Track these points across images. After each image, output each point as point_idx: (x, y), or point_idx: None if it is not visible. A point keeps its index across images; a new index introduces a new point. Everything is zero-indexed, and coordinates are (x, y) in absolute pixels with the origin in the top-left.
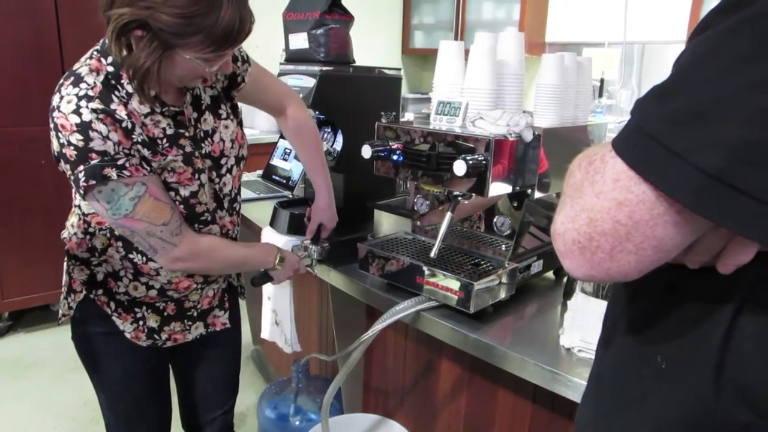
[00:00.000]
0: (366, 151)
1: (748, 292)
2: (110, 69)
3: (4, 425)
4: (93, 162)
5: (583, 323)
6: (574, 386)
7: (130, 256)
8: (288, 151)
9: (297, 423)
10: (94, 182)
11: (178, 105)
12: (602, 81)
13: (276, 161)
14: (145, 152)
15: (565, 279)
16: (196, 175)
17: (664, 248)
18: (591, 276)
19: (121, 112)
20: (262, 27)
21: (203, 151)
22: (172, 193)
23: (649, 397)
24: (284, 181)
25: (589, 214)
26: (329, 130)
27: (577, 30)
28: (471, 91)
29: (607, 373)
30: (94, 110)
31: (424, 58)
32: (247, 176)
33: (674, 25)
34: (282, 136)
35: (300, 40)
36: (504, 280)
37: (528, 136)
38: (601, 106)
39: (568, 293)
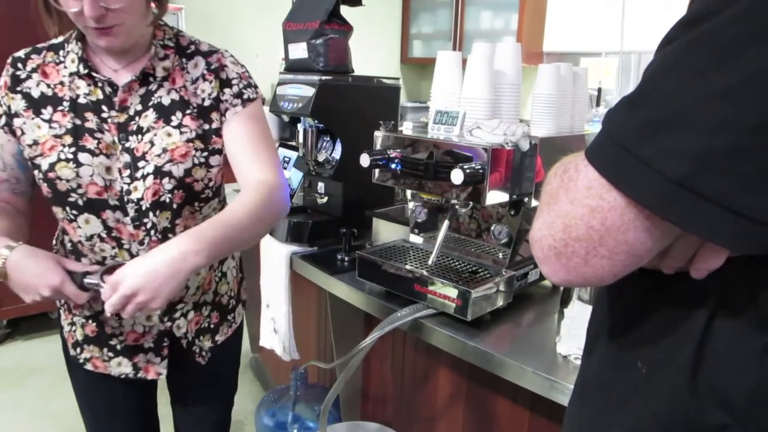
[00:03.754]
0: (364, 160)
1: (722, 296)
2: (75, 31)
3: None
4: None
5: (579, 331)
6: (570, 394)
7: (64, 242)
8: (287, 159)
9: (295, 431)
10: None
11: (118, 82)
12: (599, 90)
13: None
14: (21, 104)
15: (562, 287)
16: (64, 148)
17: (636, 253)
18: (568, 281)
19: (31, 64)
20: (261, 36)
21: (128, 145)
22: (36, 171)
23: (630, 402)
24: None
25: (564, 220)
26: (328, 138)
27: (575, 39)
28: (468, 101)
29: (591, 379)
30: (11, 56)
31: (423, 68)
32: None
33: None
34: (281, 145)
35: (299, 50)
36: (501, 287)
37: (525, 145)
38: (598, 115)
39: (565, 301)
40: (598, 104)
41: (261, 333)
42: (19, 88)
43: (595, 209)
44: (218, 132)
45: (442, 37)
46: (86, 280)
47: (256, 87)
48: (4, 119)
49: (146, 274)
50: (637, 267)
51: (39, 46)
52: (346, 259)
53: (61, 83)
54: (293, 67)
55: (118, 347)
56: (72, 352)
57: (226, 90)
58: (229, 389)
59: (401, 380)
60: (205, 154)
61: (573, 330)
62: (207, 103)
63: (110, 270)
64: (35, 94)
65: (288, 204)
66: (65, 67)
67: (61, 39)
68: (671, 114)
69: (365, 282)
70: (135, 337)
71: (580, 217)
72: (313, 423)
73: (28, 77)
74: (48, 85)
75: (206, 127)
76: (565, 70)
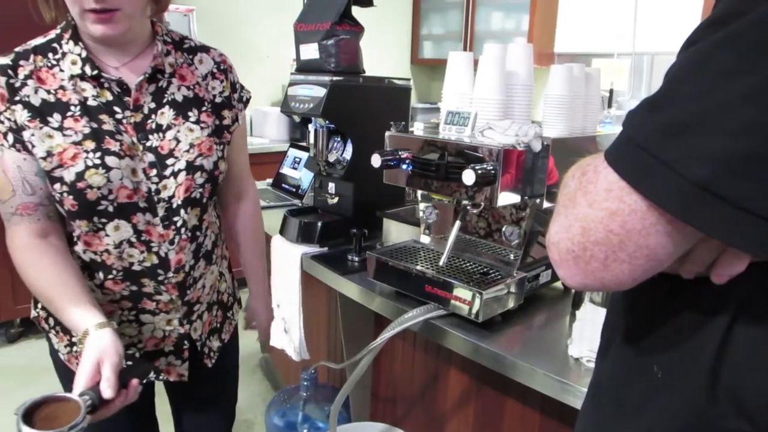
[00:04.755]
0: (375, 160)
1: (743, 302)
2: (58, 31)
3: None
4: None
5: (591, 333)
6: (582, 396)
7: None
8: (298, 159)
9: (305, 431)
10: None
11: (127, 81)
12: (611, 91)
13: (286, 170)
14: (24, 114)
15: (574, 290)
16: (88, 154)
17: (656, 257)
18: (585, 285)
19: (23, 71)
20: (273, 37)
21: (149, 144)
22: (58, 185)
23: (645, 407)
24: (294, 190)
25: (583, 223)
26: (339, 139)
27: (587, 41)
28: (480, 101)
29: (605, 383)
30: None
31: (433, 68)
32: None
33: (683, 36)
34: (292, 146)
35: (311, 51)
36: (512, 289)
37: (537, 146)
38: (609, 116)
39: (577, 303)
40: (609, 105)
41: (271, 333)
42: (17, 98)
43: (614, 212)
44: (228, 128)
45: (453, 38)
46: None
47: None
48: (12, 136)
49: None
50: (658, 271)
51: (19, 50)
52: (357, 259)
53: (62, 87)
54: (304, 67)
55: (137, 355)
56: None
57: (234, 95)
58: (235, 385)
59: (411, 381)
60: (221, 147)
61: (585, 332)
62: (219, 100)
63: (40, 405)
64: (35, 102)
65: None
66: (62, 71)
67: (43, 40)
68: (694, 116)
69: (376, 282)
70: (155, 343)
71: (599, 221)
72: (323, 423)
73: (24, 85)
74: (47, 91)
75: (218, 122)
76: (578, 70)
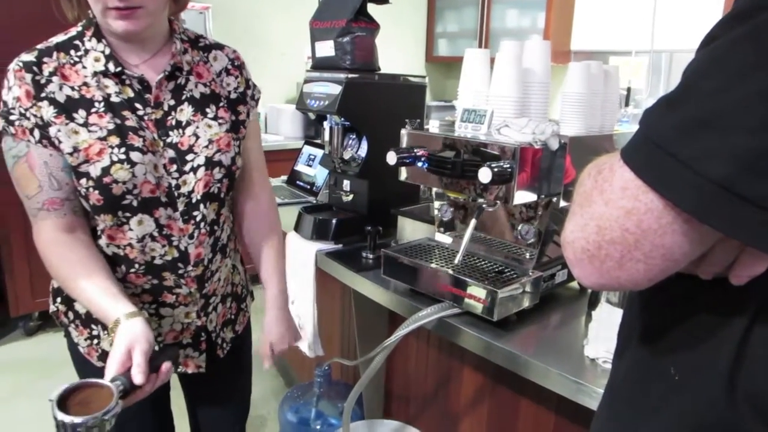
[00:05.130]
0: (391, 158)
1: (763, 304)
2: (79, 28)
3: (33, 423)
4: (3, 109)
5: (608, 334)
6: (598, 397)
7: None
8: (312, 157)
9: (318, 427)
10: None
11: (149, 78)
12: (629, 90)
13: (300, 167)
14: (50, 111)
15: (590, 289)
16: (113, 149)
17: (672, 257)
18: (601, 285)
19: (48, 68)
20: (288, 35)
21: (169, 140)
22: (84, 180)
23: (661, 409)
24: (308, 187)
25: (598, 222)
26: (354, 136)
27: (604, 38)
28: (496, 99)
29: (621, 385)
30: (18, 61)
31: (448, 66)
32: (272, 182)
33: (703, 33)
34: (307, 143)
35: (326, 48)
36: (528, 288)
37: (554, 144)
38: (627, 115)
39: (593, 303)
40: (627, 104)
41: None
42: (43, 95)
43: (630, 211)
44: (244, 123)
45: (468, 35)
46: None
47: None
48: (38, 132)
49: (283, 328)
50: (674, 271)
51: (41, 47)
52: (371, 256)
53: (86, 84)
54: (320, 65)
55: (156, 348)
56: (99, 364)
57: (248, 92)
58: (249, 378)
59: (425, 379)
60: (238, 143)
61: (601, 333)
62: (234, 96)
63: (74, 392)
64: (60, 98)
65: None
66: (84, 67)
67: (64, 37)
68: (713, 113)
69: (390, 280)
70: (174, 336)
71: (615, 219)
72: (336, 420)
73: (49, 81)
74: (72, 88)
75: (233, 118)
76: (596, 68)
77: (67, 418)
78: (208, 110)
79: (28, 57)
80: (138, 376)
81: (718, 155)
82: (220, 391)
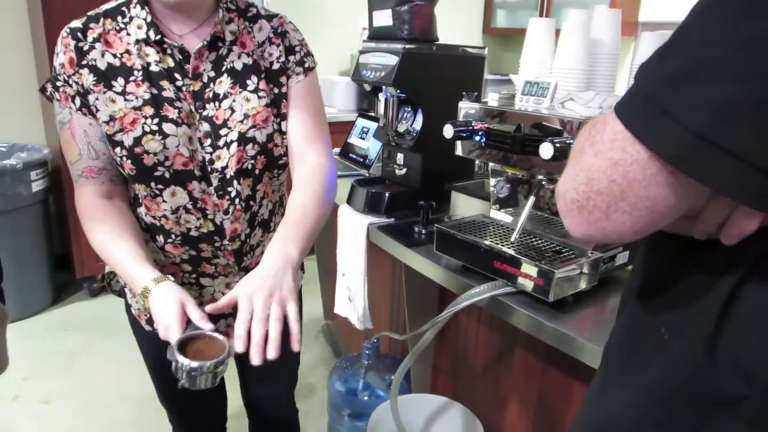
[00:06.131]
0: (448, 131)
1: (754, 265)
2: None
3: (94, 379)
4: (52, 74)
5: None
6: None
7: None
8: (366, 129)
9: (365, 398)
10: (45, 92)
11: (189, 48)
12: None
13: (353, 140)
14: (89, 78)
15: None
16: (147, 120)
17: (657, 209)
18: (589, 235)
19: (92, 34)
20: (343, 5)
21: (206, 113)
22: (119, 149)
23: (648, 366)
24: (361, 160)
25: (588, 173)
26: (409, 109)
27: (675, 8)
28: (561, 71)
29: (615, 342)
30: (67, 28)
31: (506, 38)
32: None
33: None
34: (360, 115)
35: (384, 17)
36: (586, 269)
37: None
38: None
39: None
40: None
41: (336, 301)
42: (84, 62)
43: (617, 162)
44: (286, 96)
45: (528, 6)
46: (172, 357)
47: (312, 56)
48: (79, 100)
49: (264, 278)
50: (662, 225)
51: (92, 13)
52: (424, 231)
53: (128, 52)
54: (377, 35)
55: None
56: (148, 328)
57: (291, 57)
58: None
59: (474, 356)
60: (279, 119)
61: None
62: (276, 66)
63: (188, 341)
64: (102, 65)
65: (336, 187)
66: (128, 35)
67: (114, 4)
68: (698, 63)
69: (442, 256)
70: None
71: (603, 170)
72: (383, 392)
73: (92, 48)
74: (114, 55)
75: (276, 91)
76: None
77: (185, 361)
78: (248, 82)
79: (76, 23)
80: (207, 326)
81: (698, 106)
82: (268, 361)
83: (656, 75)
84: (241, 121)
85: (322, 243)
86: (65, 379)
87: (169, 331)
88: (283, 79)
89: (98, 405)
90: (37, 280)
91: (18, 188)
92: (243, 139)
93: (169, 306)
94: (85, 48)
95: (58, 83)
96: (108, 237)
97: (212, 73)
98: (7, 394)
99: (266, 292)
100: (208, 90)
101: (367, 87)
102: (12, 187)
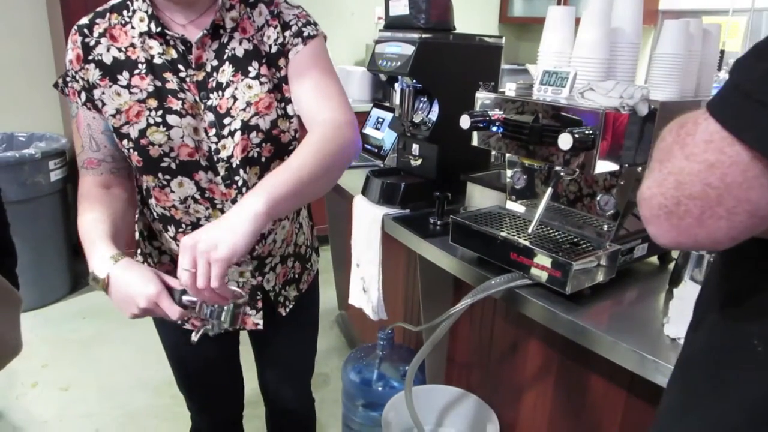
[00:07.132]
0: (464, 122)
1: None
2: None
3: (112, 366)
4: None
5: (691, 312)
6: None
7: (144, 211)
8: (381, 120)
9: (380, 389)
10: (57, 87)
11: (191, 38)
12: (722, 53)
13: (368, 130)
14: (95, 73)
15: (671, 265)
16: (151, 112)
17: (759, 213)
18: (678, 243)
19: (98, 29)
20: None
21: (210, 103)
22: (125, 141)
23: (745, 384)
24: (376, 150)
25: (678, 177)
26: (425, 99)
27: None
28: (581, 61)
29: (697, 359)
30: (76, 25)
31: (522, 27)
32: None
33: None
34: (375, 106)
35: (400, 6)
36: (603, 262)
37: (643, 110)
38: (720, 80)
39: (675, 281)
40: (719, 68)
41: (350, 291)
42: (90, 57)
43: (714, 164)
44: (286, 80)
45: None
46: (185, 298)
47: (316, 25)
48: (84, 95)
49: (209, 229)
50: (759, 230)
51: (99, 9)
52: (439, 223)
53: (132, 45)
54: (393, 24)
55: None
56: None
57: (287, 33)
58: (314, 336)
59: (489, 348)
60: (283, 104)
61: (684, 312)
62: (274, 49)
63: None
64: (107, 60)
65: (359, 142)
66: (133, 28)
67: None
68: None
69: (457, 247)
70: None
71: (696, 174)
72: (398, 383)
73: (97, 43)
74: (119, 49)
75: (277, 75)
76: (695, 26)
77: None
78: (250, 68)
79: (84, 20)
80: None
81: None
82: (284, 348)
83: (755, 71)
84: (244, 110)
85: (336, 234)
86: (83, 366)
87: (161, 297)
88: (281, 62)
89: (116, 392)
90: (56, 269)
91: (36, 177)
92: (246, 128)
93: (140, 273)
94: (92, 43)
95: (68, 79)
96: (88, 218)
97: (215, 62)
98: (26, 381)
99: (202, 246)
100: (211, 80)
101: (383, 77)
102: (31, 177)
